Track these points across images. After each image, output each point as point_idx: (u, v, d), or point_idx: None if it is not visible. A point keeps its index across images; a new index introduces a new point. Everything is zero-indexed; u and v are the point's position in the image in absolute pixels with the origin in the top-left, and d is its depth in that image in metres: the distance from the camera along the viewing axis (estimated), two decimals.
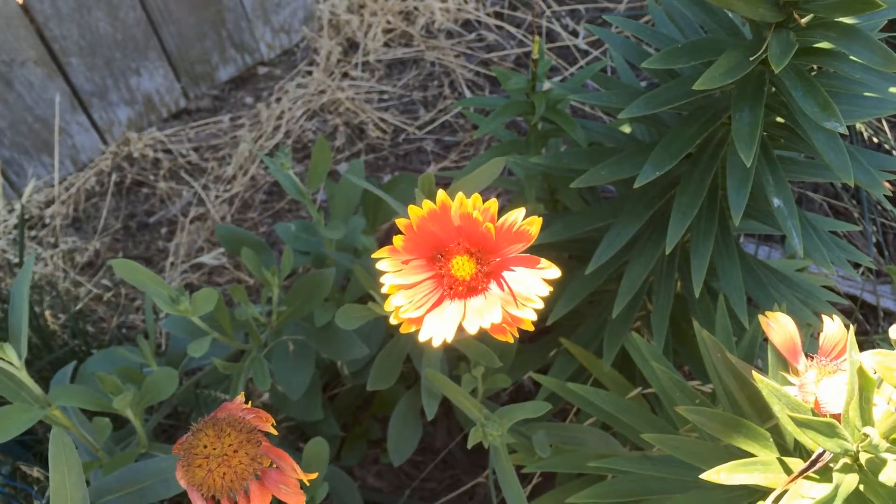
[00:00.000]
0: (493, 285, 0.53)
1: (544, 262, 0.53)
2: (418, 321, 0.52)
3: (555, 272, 0.52)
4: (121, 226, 1.33)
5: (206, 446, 0.53)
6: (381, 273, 0.52)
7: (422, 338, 0.52)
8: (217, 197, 1.34)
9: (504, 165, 0.70)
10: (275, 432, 0.56)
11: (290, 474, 0.55)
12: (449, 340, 0.52)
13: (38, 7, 1.18)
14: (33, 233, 1.31)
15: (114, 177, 1.36)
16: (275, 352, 0.91)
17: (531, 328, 0.52)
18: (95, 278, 1.27)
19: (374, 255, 0.53)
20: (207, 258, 1.28)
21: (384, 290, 0.52)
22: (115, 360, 0.92)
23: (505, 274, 0.53)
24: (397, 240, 0.52)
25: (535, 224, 0.52)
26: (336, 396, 1.11)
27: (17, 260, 1.24)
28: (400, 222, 0.52)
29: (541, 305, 0.52)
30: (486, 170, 0.69)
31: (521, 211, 0.52)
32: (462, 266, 0.53)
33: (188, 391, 0.94)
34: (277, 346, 0.91)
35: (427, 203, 0.52)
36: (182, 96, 1.42)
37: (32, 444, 1.03)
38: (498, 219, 0.52)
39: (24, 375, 0.68)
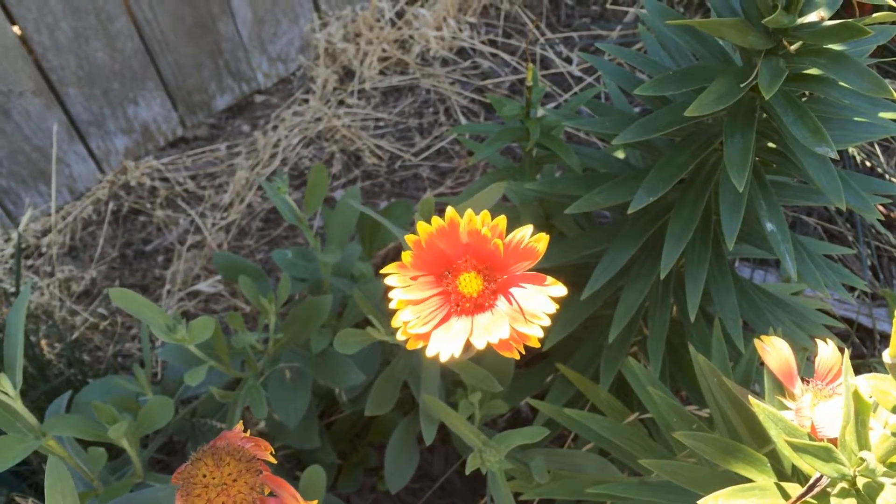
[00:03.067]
0: (499, 302, 0.53)
1: (550, 279, 0.53)
2: (425, 337, 0.53)
3: (561, 290, 0.52)
4: (117, 254, 1.33)
5: (205, 475, 0.52)
6: (390, 288, 0.53)
7: (429, 353, 0.52)
8: (214, 225, 1.35)
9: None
10: (273, 461, 0.56)
11: (290, 502, 0.55)
12: (457, 356, 0.52)
13: (36, 38, 1.19)
14: (30, 262, 1.31)
15: (111, 205, 1.37)
16: (271, 379, 0.90)
17: (538, 345, 0.52)
18: (92, 307, 1.27)
19: (382, 271, 0.53)
20: (204, 286, 1.28)
21: (392, 305, 0.52)
22: (110, 389, 0.92)
23: (512, 291, 0.53)
24: (406, 255, 0.53)
25: (542, 241, 0.52)
26: (333, 424, 1.10)
27: (13, 289, 1.24)
28: (409, 238, 0.53)
29: (548, 322, 0.52)
30: (486, 195, 0.69)
31: (529, 228, 0.52)
32: (469, 283, 0.53)
33: (184, 420, 0.94)
34: (274, 374, 0.90)
35: (436, 220, 0.52)
36: (179, 125, 1.43)
37: (27, 475, 1.02)
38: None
39: (19, 405, 0.68)
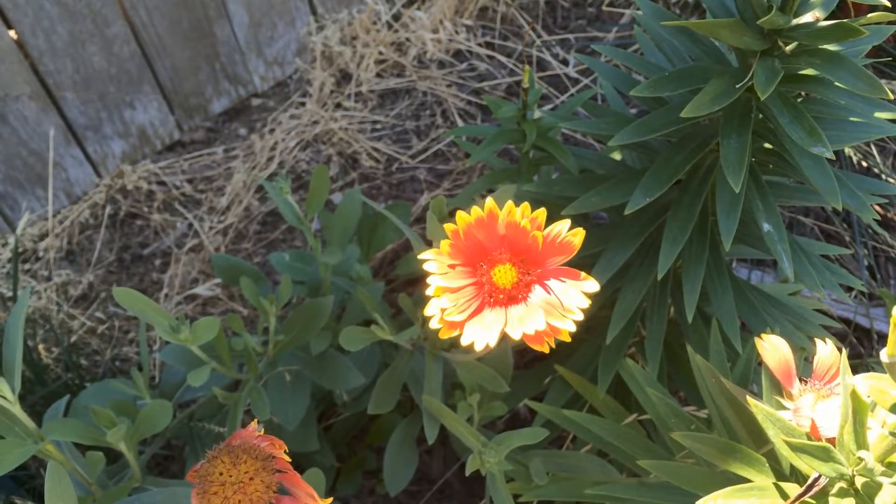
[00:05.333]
0: (532, 295, 0.53)
1: (584, 274, 0.53)
2: (460, 325, 0.53)
3: (594, 285, 0.53)
4: (115, 258, 1.33)
5: (221, 473, 0.53)
6: (428, 274, 0.53)
7: (464, 342, 0.52)
8: (211, 228, 1.35)
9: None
10: (288, 459, 0.56)
11: (306, 501, 0.55)
12: (492, 346, 0.52)
13: (32, 42, 1.19)
14: (27, 266, 1.31)
15: (108, 209, 1.36)
16: (270, 382, 0.90)
17: (568, 339, 0.53)
18: (89, 311, 1.26)
19: (420, 256, 0.54)
20: (202, 289, 1.28)
21: (430, 291, 0.53)
22: (108, 393, 0.92)
23: (546, 283, 0.53)
24: (444, 244, 0.53)
25: (578, 235, 0.53)
26: (331, 427, 1.10)
27: (11, 294, 1.24)
28: (447, 227, 0.53)
29: (581, 317, 0.52)
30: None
31: (567, 222, 0.53)
32: (504, 275, 0.53)
33: (182, 424, 0.94)
34: (273, 377, 0.90)
35: (475, 209, 0.53)
36: (176, 128, 1.43)
37: (25, 480, 1.02)
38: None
39: (17, 410, 0.68)
